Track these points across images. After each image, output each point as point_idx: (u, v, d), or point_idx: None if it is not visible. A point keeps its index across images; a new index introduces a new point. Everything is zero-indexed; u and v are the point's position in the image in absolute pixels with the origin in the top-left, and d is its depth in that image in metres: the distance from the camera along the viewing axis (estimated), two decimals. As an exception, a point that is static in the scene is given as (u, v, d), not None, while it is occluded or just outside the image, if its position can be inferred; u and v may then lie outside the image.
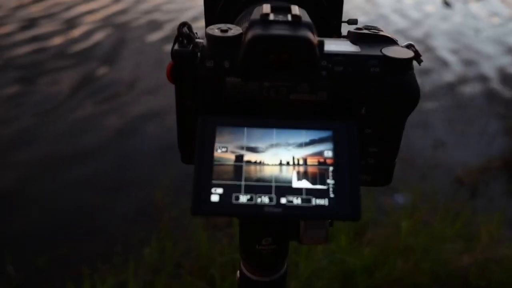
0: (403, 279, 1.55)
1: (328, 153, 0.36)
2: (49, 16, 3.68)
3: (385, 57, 0.37)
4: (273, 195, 0.34)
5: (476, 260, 1.62)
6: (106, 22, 3.63)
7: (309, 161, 0.36)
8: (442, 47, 3.53)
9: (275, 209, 0.34)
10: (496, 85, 3.09)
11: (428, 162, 2.22)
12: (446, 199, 1.96)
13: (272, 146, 0.36)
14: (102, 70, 3.01)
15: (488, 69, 3.28)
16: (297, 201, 0.34)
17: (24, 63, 3.02)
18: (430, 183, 2.04)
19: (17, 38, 3.32)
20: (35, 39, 3.31)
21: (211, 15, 0.55)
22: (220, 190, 0.34)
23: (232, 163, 0.35)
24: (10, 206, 1.88)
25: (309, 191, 0.34)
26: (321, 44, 0.37)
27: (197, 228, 1.68)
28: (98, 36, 3.40)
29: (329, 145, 0.36)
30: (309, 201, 0.34)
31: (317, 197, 0.34)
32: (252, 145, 0.36)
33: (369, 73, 0.37)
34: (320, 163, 0.36)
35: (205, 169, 0.35)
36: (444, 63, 3.31)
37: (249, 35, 0.35)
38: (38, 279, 1.55)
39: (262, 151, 0.36)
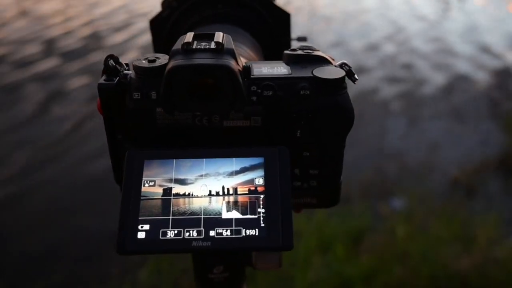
0: (402, 285, 1.54)
1: (259, 181, 0.35)
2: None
3: (315, 78, 0.37)
4: (202, 228, 0.33)
5: (474, 262, 1.60)
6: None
7: (240, 190, 0.35)
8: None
9: (203, 243, 0.33)
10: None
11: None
12: (443, 201, 1.95)
13: (201, 176, 0.35)
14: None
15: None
16: (226, 233, 0.33)
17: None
18: (427, 185, 2.03)
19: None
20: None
21: (159, 43, 0.55)
22: (147, 227, 0.33)
23: (159, 197, 0.34)
24: (5, 232, 1.87)
25: (239, 222, 0.33)
26: (247, 69, 0.36)
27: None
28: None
29: (260, 173, 0.35)
30: (239, 232, 0.33)
31: (247, 227, 0.33)
32: (181, 177, 0.35)
33: (299, 96, 0.37)
34: (251, 192, 0.35)
35: (131, 205, 0.34)
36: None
37: (169, 65, 0.34)
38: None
39: (191, 183, 0.35)
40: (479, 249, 1.66)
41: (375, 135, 2.39)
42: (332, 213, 1.80)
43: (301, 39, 0.55)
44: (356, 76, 0.38)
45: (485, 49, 3.41)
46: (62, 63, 3.14)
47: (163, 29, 0.54)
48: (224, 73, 0.34)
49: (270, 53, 0.55)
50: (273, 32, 0.55)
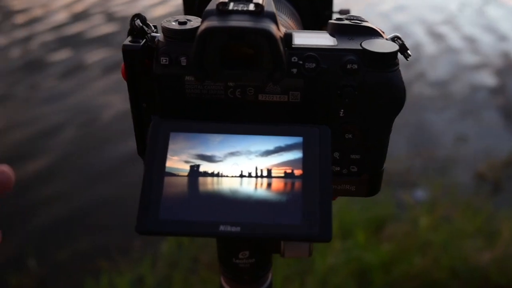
0: (421, 276, 1.53)
1: (297, 163, 0.32)
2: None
3: (365, 51, 0.33)
4: (231, 212, 0.30)
5: (496, 257, 1.58)
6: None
7: (274, 172, 0.31)
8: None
9: (232, 228, 0.29)
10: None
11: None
12: (468, 194, 1.92)
13: (231, 154, 0.32)
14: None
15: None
16: (258, 218, 0.30)
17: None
18: (451, 177, 2.00)
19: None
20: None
21: (190, 5, 0.51)
22: (170, 205, 0.30)
23: (185, 174, 0.31)
24: (33, 199, 1.91)
25: (272, 207, 0.30)
26: (288, 37, 0.33)
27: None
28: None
29: (298, 154, 0.32)
30: (271, 219, 0.30)
31: (281, 214, 0.30)
32: (209, 153, 0.32)
33: (345, 70, 0.33)
34: (287, 175, 0.31)
35: (154, 181, 0.31)
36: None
37: (202, 27, 0.31)
38: (59, 273, 1.58)
39: (220, 161, 0.32)
40: (502, 245, 1.63)
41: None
42: (355, 200, 1.79)
43: (344, 12, 0.50)
44: (409, 51, 0.35)
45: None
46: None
47: None
48: (263, 39, 0.30)
49: (310, 27, 0.51)
50: (314, 3, 0.51)
